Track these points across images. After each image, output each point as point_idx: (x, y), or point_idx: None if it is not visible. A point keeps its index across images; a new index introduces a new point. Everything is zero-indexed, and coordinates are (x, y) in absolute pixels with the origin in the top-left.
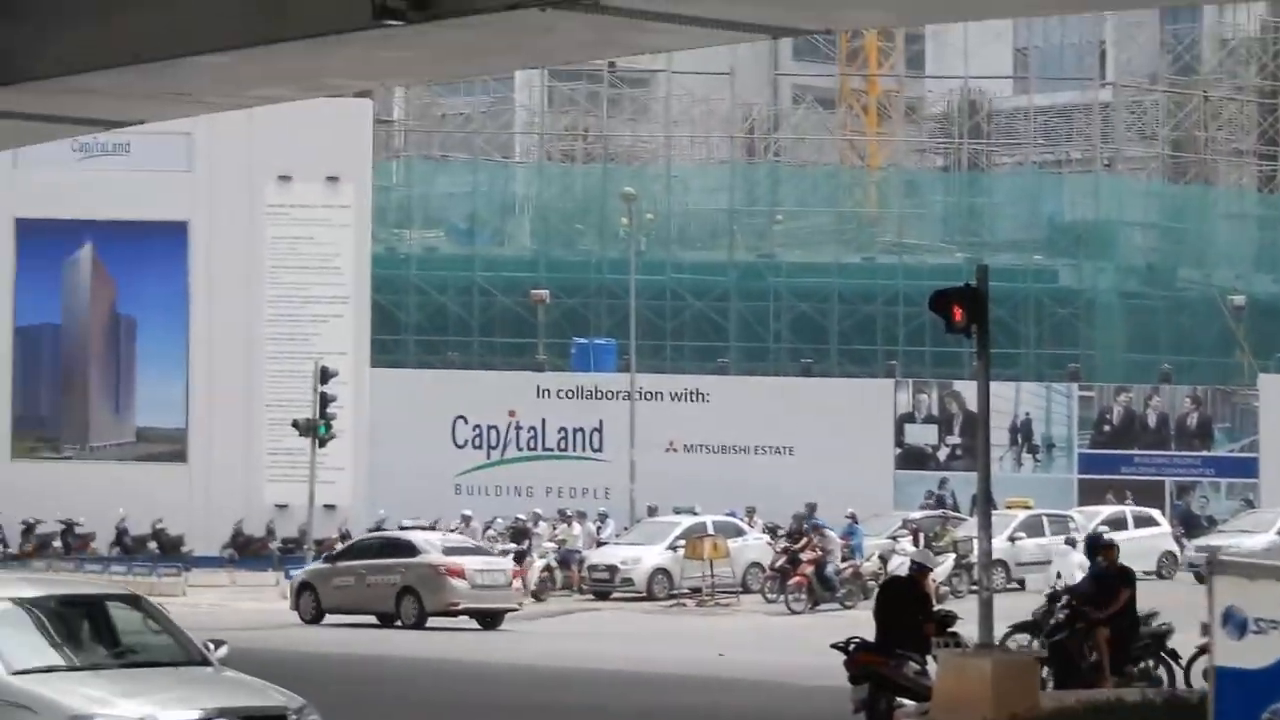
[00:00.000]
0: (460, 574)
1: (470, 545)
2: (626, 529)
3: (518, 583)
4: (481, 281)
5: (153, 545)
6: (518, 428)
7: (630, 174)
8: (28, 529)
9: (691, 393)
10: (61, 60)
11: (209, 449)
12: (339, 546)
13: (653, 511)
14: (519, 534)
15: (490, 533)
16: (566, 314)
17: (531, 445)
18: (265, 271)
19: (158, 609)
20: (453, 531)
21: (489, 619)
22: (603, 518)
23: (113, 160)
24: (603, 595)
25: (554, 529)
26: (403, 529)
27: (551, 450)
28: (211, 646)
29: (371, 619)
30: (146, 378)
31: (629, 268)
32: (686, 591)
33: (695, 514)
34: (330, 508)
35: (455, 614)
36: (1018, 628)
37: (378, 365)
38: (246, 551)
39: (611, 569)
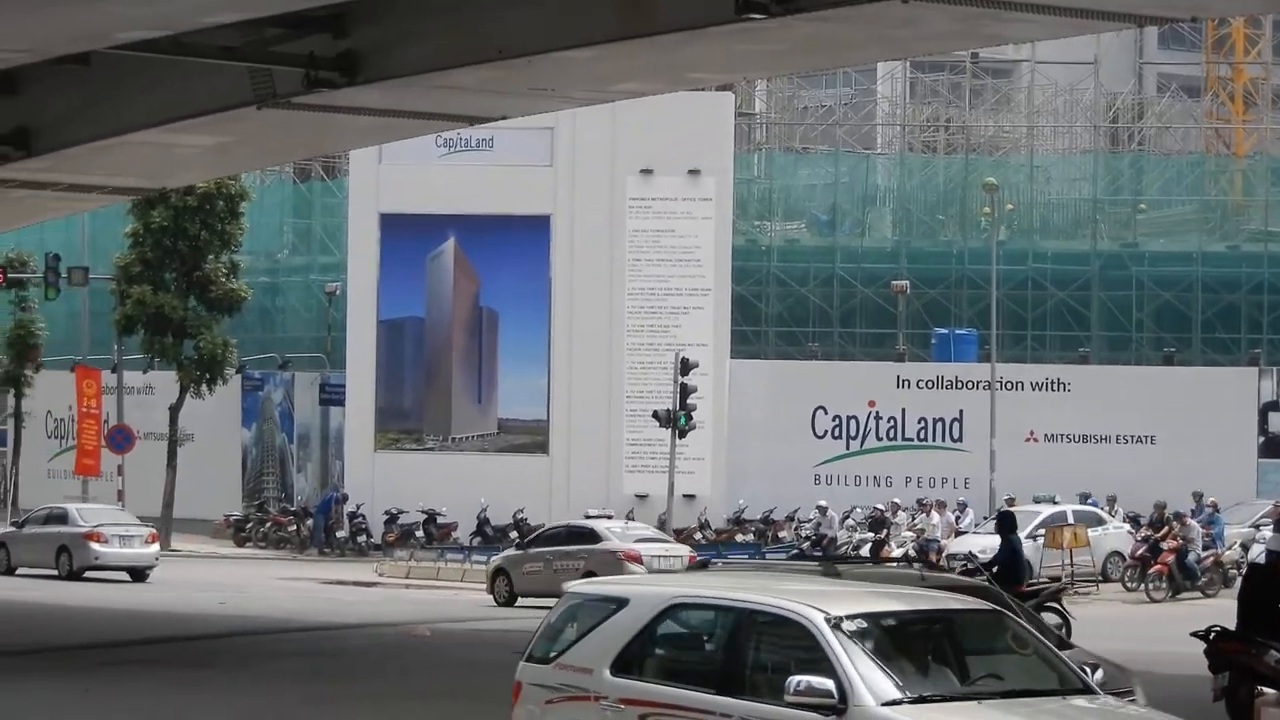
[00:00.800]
0: (637, 559)
1: (650, 534)
2: (986, 518)
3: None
4: (842, 273)
5: (514, 535)
6: (877, 418)
7: (992, 164)
8: (390, 519)
9: (1052, 382)
10: (426, 57)
11: (569, 440)
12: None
13: (1011, 501)
14: (877, 523)
15: (849, 522)
16: (927, 304)
17: (891, 435)
18: (626, 264)
19: (1026, 628)
20: (807, 523)
21: None
22: (962, 507)
23: (476, 155)
24: None
25: (913, 519)
26: (587, 518)
27: (911, 440)
28: (1088, 670)
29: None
30: (508, 370)
31: (990, 258)
32: (1045, 580)
33: (1055, 503)
34: (690, 498)
35: None
36: None
37: (738, 356)
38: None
39: (970, 557)
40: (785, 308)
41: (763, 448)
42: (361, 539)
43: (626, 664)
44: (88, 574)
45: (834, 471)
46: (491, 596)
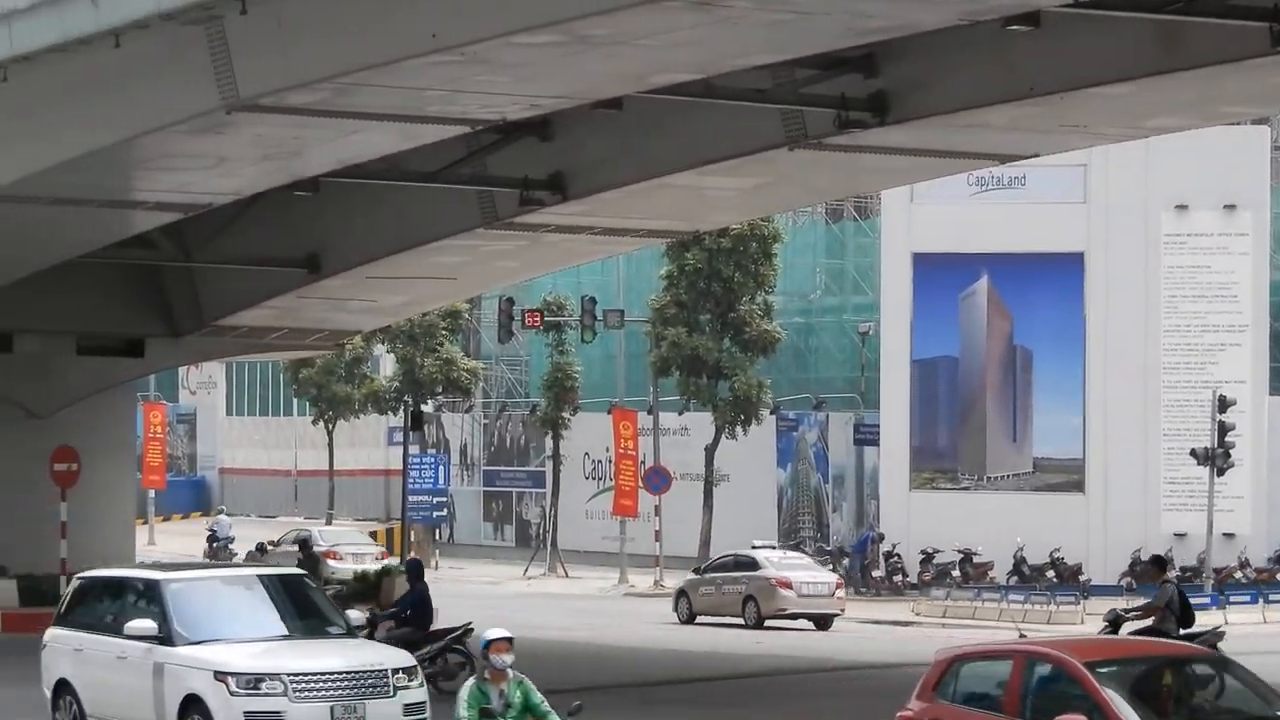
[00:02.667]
0: (789, 585)
1: (803, 562)
2: None
3: (840, 592)
4: None
5: (1050, 574)
6: None
7: None
8: (926, 558)
9: None
10: (957, 95)
11: (1106, 478)
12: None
13: None
14: None
15: None
16: None
17: None
18: (1161, 301)
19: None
20: None
21: (820, 621)
22: None
23: (1008, 193)
24: None
25: None
26: (754, 548)
27: None
28: None
29: (731, 619)
30: (1043, 408)
31: None
32: None
33: None
34: (1229, 536)
35: (786, 617)
36: None
37: (1277, 393)
38: (1143, 580)
39: None
40: None
41: None
42: (898, 578)
43: None
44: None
45: None
46: (676, 615)
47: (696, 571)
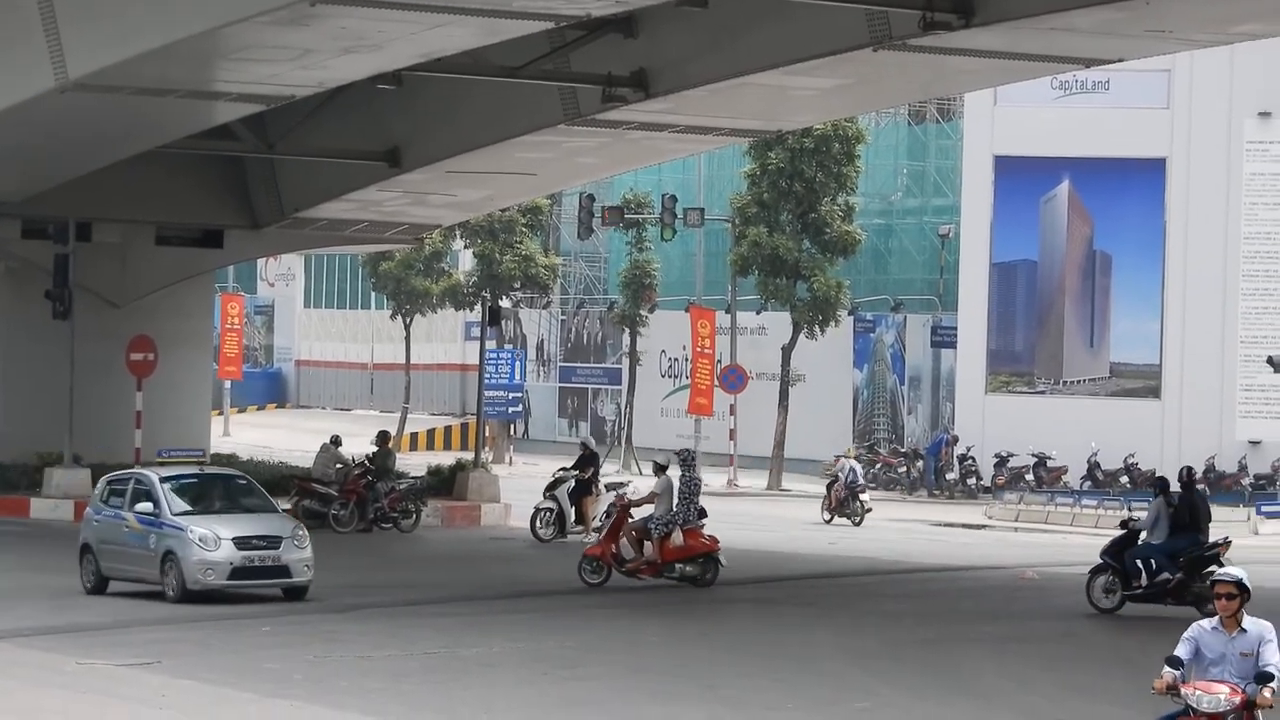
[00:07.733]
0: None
1: None
2: None
3: None
4: None
5: (1124, 480)
6: None
7: None
8: (1000, 462)
9: None
10: None
11: (1181, 385)
12: None
13: None
14: None
15: None
16: None
17: None
18: (1242, 208)
19: None
20: None
21: None
22: None
23: (1091, 97)
24: None
25: None
26: None
27: None
28: None
29: None
30: (1120, 314)
31: None
32: None
33: None
34: None
35: None
36: None
37: None
38: (1218, 488)
39: None
40: None
41: None
42: (971, 481)
43: None
44: None
45: None
46: None
47: None
